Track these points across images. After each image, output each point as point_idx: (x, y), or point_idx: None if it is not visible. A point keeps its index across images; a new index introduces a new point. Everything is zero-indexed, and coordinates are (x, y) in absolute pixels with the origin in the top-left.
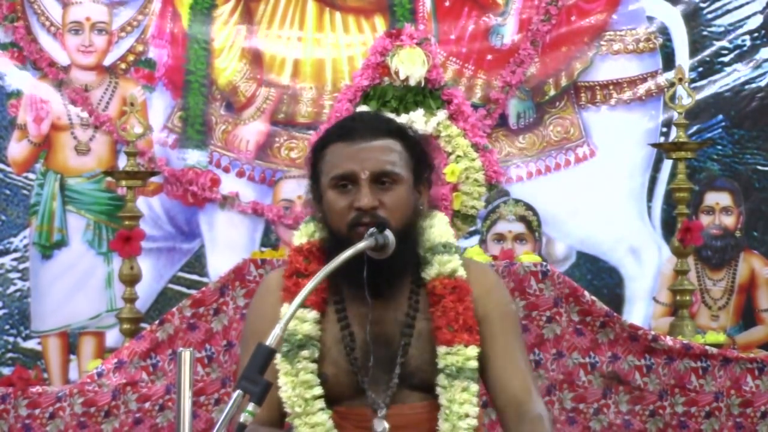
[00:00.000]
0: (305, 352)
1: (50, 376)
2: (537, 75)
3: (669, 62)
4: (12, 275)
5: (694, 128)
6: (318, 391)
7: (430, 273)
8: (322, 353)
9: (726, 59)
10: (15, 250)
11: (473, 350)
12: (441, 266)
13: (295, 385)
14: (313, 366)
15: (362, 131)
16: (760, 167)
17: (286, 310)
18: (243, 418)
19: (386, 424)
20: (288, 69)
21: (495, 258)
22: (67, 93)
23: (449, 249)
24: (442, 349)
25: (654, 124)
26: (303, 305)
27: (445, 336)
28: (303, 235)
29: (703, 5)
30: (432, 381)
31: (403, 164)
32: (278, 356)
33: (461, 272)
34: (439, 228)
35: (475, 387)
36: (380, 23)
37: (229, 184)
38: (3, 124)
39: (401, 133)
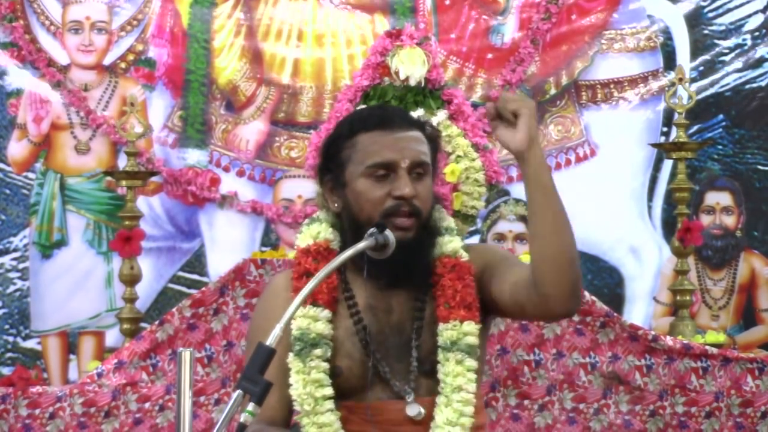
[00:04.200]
0: (318, 351)
1: (50, 376)
2: (537, 74)
3: (670, 61)
4: (12, 275)
5: (695, 128)
6: (328, 391)
7: (432, 255)
8: (336, 348)
9: (727, 58)
10: (15, 250)
11: (470, 326)
12: (441, 246)
13: (306, 383)
14: (325, 365)
15: (398, 121)
16: (760, 167)
17: (299, 310)
18: (243, 418)
19: (420, 408)
20: (288, 68)
21: None
22: (64, 94)
23: (450, 231)
24: (441, 327)
25: (655, 123)
26: (315, 304)
27: (443, 313)
28: (307, 236)
29: (703, 4)
30: None
31: (430, 156)
32: (290, 354)
33: (462, 252)
34: (439, 214)
35: (471, 362)
36: (380, 22)
37: (229, 183)
38: (3, 123)
39: (425, 127)
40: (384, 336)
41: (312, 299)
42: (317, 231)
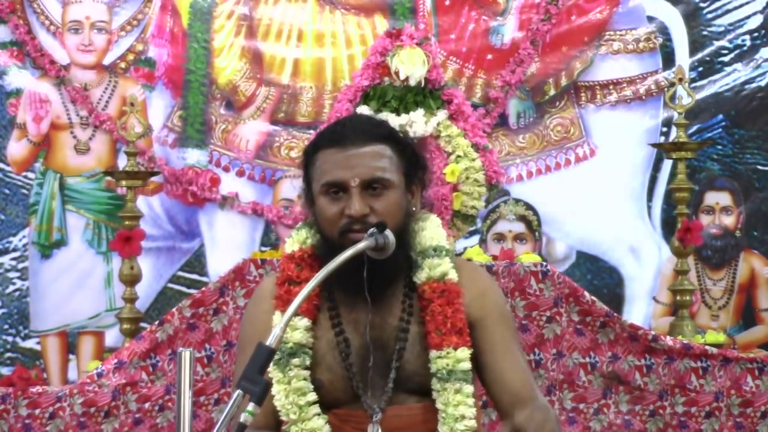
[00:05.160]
0: (296, 360)
1: (49, 376)
2: (537, 74)
3: (669, 62)
4: (11, 274)
5: (695, 128)
6: (312, 397)
7: (420, 277)
8: (317, 360)
9: (726, 59)
10: (14, 250)
11: (464, 352)
12: (431, 270)
13: (288, 392)
14: (305, 373)
15: (352, 137)
16: (760, 167)
17: (278, 318)
18: (243, 418)
19: (379, 430)
20: (288, 68)
21: (495, 258)
22: (67, 91)
23: (439, 252)
24: (433, 354)
25: (654, 123)
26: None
27: (435, 340)
28: (295, 242)
29: (702, 5)
30: (428, 385)
31: (393, 169)
32: (271, 365)
33: (452, 275)
34: (431, 231)
35: (468, 388)
36: (380, 22)
37: (229, 183)
38: (2, 123)
39: (391, 137)
40: (366, 351)
41: None
42: (305, 236)
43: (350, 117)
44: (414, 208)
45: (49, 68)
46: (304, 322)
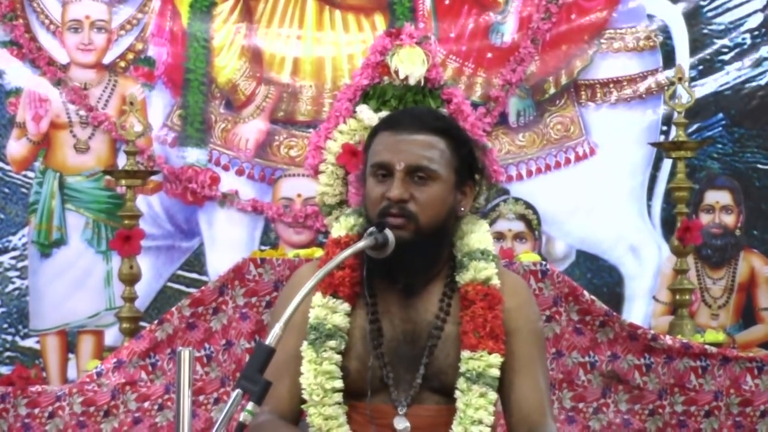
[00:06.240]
0: (332, 343)
1: (48, 375)
2: (537, 73)
3: (669, 60)
4: (11, 273)
5: (694, 127)
6: (338, 383)
7: (464, 277)
8: (348, 348)
9: (726, 57)
10: (14, 249)
11: (496, 358)
12: (476, 272)
13: (317, 373)
14: (338, 358)
15: (407, 123)
16: (760, 166)
17: (319, 300)
18: (242, 417)
19: (408, 423)
20: (288, 67)
21: None
22: (65, 92)
23: (486, 256)
24: (465, 354)
25: (654, 122)
26: (335, 296)
27: (471, 341)
28: (342, 227)
29: (703, 3)
30: (452, 385)
31: (443, 162)
32: (304, 343)
33: (495, 281)
34: (480, 234)
35: (493, 395)
36: (380, 21)
37: (229, 182)
38: (2, 122)
39: (449, 132)
40: (397, 343)
41: (333, 291)
42: (353, 224)
43: (416, 106)
44: (462, 209)
45: (46, 69)
46: (345, 306)
